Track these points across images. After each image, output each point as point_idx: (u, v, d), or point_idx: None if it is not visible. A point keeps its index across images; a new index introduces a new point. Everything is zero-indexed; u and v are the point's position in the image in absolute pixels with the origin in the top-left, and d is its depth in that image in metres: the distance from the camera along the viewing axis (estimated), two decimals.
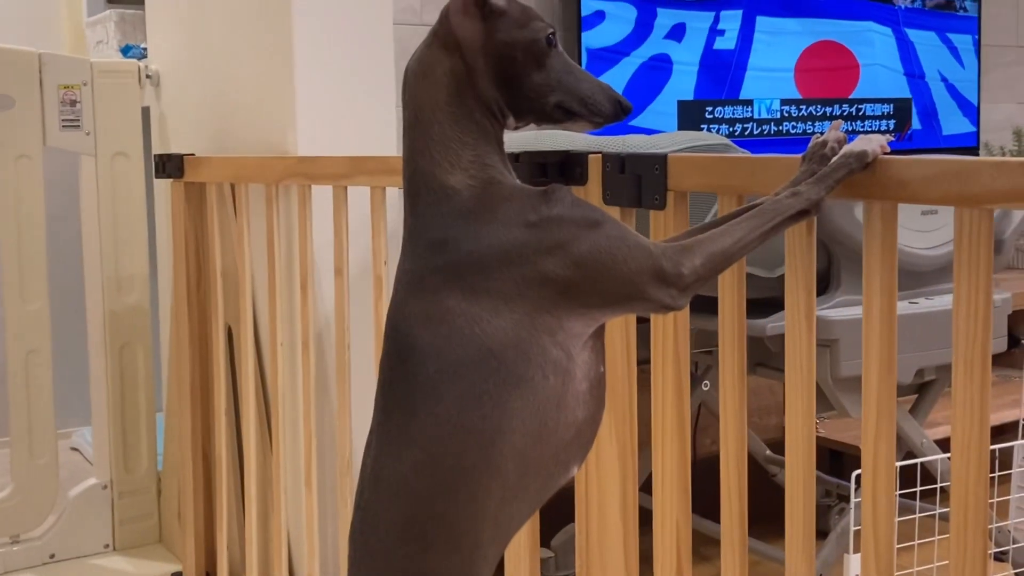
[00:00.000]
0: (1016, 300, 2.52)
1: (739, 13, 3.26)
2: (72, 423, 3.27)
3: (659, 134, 1.79)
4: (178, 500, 2.42)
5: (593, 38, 3.03)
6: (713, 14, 3.22)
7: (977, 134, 3.72)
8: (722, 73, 3.27)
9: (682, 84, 3.20)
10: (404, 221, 1.05)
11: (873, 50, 3.54)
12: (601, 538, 1.46)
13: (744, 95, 3.30)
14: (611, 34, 3.07)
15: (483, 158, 1.02)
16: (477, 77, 1.02)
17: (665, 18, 3.14)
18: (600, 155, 1.40)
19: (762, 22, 3.31)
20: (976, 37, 3.73)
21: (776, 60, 3.35)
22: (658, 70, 3.16)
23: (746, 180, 1.24)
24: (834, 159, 1.07)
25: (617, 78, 3.10)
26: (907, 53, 3.63)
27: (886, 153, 1.07)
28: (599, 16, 3.06)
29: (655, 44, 3.13)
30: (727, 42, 3.26)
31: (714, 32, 3.24)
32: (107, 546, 2.51)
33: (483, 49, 1.03)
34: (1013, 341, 2.50)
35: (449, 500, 0.97)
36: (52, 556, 2.44)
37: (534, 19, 1.04)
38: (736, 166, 1.26)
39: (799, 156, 1.13)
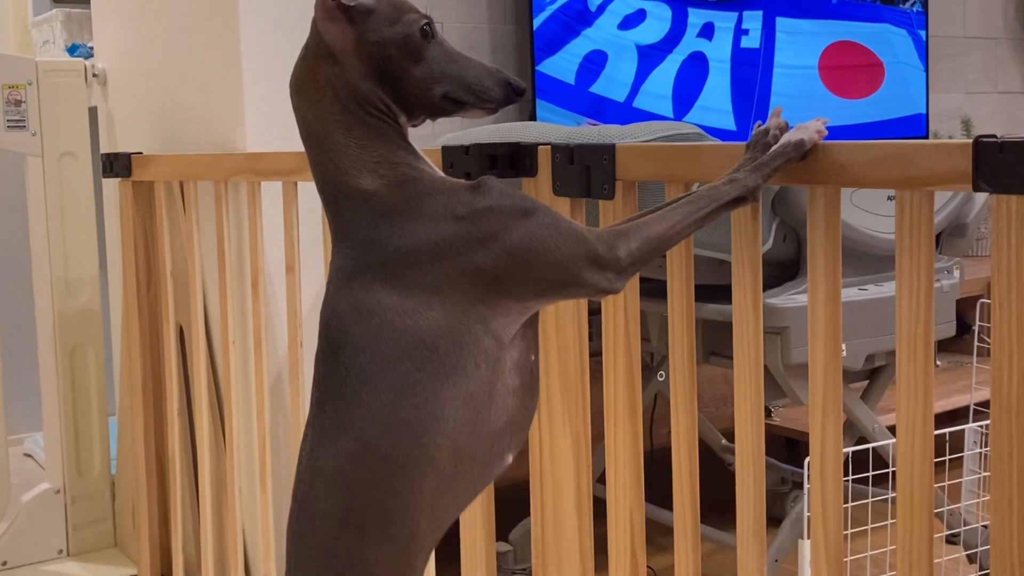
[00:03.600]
0: (966, 286, 2.56)
1: (760, 14, 3.39)
2: (24, 428, 3.23)
3: (635, 123, 1.81)
4: (132, 503, 2.39)
5: (640, 35, 3.14)
6: (737, 14, 3.35)
7: (926, 123, 3.77)
8: (751, 70, 3.37)
9: (719, 81, 3.31)
10: (329, 226, 1.04)
11: (893, 49, 3.68)
12: (556, 530, 1.46)
13: (775, 91, 3.42)
14: (654, 31, 3.18)
15: (389, 157, 1.01)
16: (357, 81, 1.00)
17: (696, 17, 3.25)
18: (549, 146, 1.40)
19: (781, 23, 3.44)
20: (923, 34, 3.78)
21: (800, 58, 3.48)
22: (697, 67, 3.28)
23: (692, 168, 1.24)
24: (773, 148, 1.08)
25: (666, 74, 3.19)
26: (924, 52, 3.74)
27: (823, 138, 1.08)
28: (641, 14, 3.15)
29: (690, 42, 3.25)
30: (752, 41, 3.38)
31: (739, 31, 3.36)
32: (61, 551, 2.48)
33: (356, 52, 1.00)
34: (963, 327, 2.53)
35: (384, 490, 0.97)
36: (4, 563, 2.41)
37: (406, 12, 1.02)
38: (682, 154, 1.27)
39: (743, 144, 1.13)
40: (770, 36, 3.40)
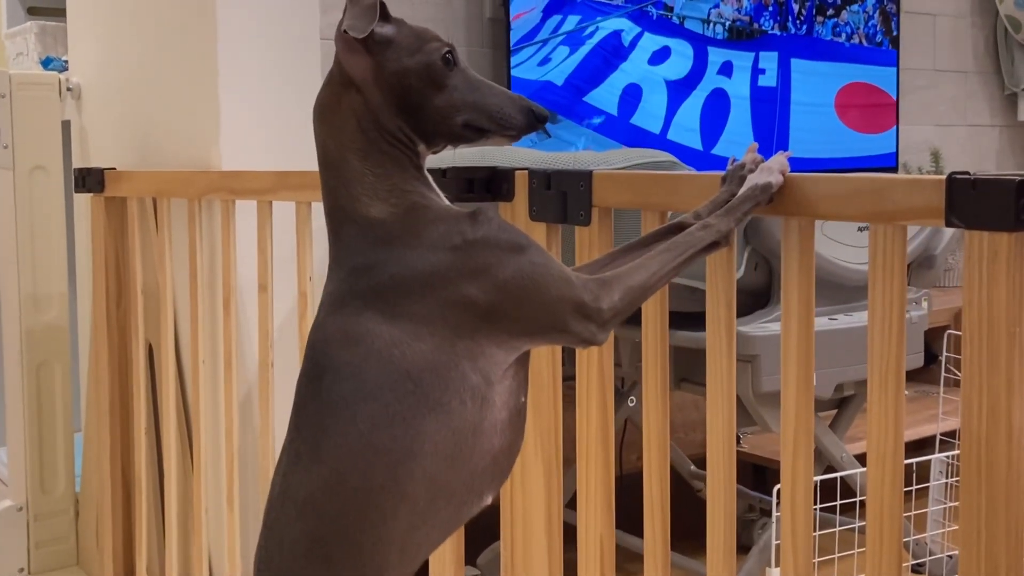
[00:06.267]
0: (933, 317, 2.58)
1: (775, 55, 3.53)
2: None
3: (611, 150, 1.82)
4: (96, 522, 2.36)
5: (667, 70, 3.28)
6: (753, 54, 3.49)
7: (896, 155, 3.81)
8: (770, 107, 3.51)
9: (740, 116, 3.45)
10: (329, 249, 1.04)
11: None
12: (526, 555, 1.46)
13: (793, 127, 3.55)
14: (679, 68, 3.32)
15: (401, 185, 1.01)
16: (377, 110, 1.00)
17: (715, 56, 3.39)
18: (526, 171, 1.41)
19: (796, 64, 3.58)
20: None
21: (815, 96, 3.63)
22: (719, 103, 3.42)
23: (668, 197, 1.25)
24: (740, 191, 1.09)
25: (692, 108, 3.32)
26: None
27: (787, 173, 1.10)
28: (666, 51, 3.28)
29: (712, 80, 3.39)
30: (769, 79, 3.52)
31: (756, 71, 3.50)
32: (22, 570, 2.44)
33: (377, 82, 1.00)
34: (930, 357, 2.56)
35: (355, 521, 0.96)
36: None
37: (428, 41, 1.02)
38: (659, 183, 1.28)
39: (719, 175, 1.15)
40: (786, 76, 3.54)
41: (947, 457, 2.22)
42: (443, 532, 1.02)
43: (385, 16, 1.01)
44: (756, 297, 1.99)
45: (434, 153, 1.05)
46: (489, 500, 1.03)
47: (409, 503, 0.96)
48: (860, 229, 2.01)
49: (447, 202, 1.04)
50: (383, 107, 1.01)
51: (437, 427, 0.96)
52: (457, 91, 1.01)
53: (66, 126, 2.57)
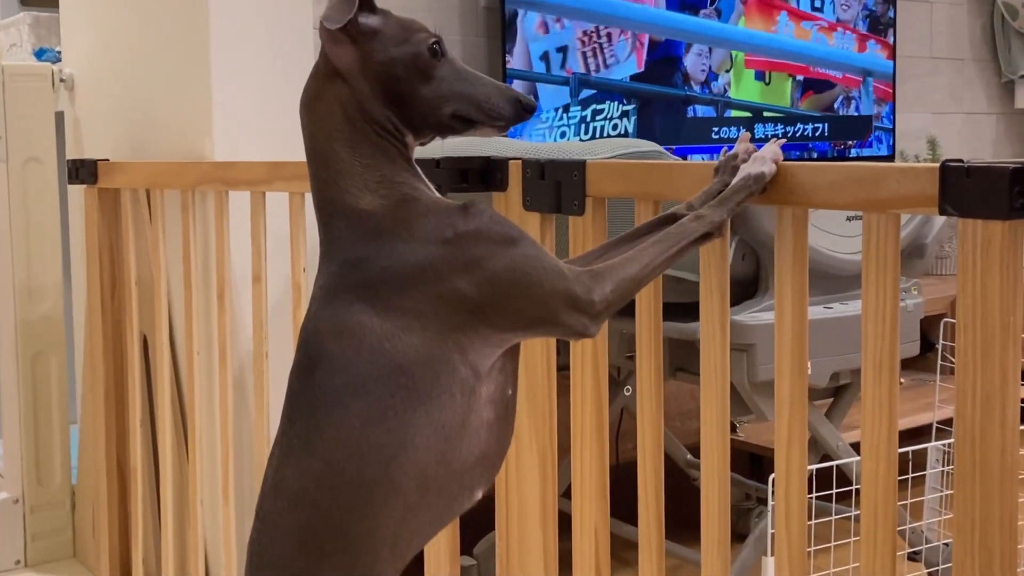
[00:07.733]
0: (930, 305, 2.58)
1: None
2: None
3: (596, 140, 1.80)
4: (92, 514, 2.36)
5: None
6: None
7: (892, 143, 3.81)
8: None
9: None
10: (319, 242, 1.03)
11: None
12: (521, 544, 1.46)
13: None
14: None
15: (391, 177, 1.00)
16: (364, 100, 1.00)
17: None
18: (520, 161, 1.40)
19: None
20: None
21: None
22: None
23: (662, 186, 1.25)
24: (734, 181, 1.09)
25: None
26: None
27: (780, 162, 1.09)
28: None
29: None
30: None
31: None
32: (18, 562, 2.44)
33: (363, 72, 1.00)
34: (927, 345, 2.56)
35: (348, 513, 0.96)
36: None
37: (415, 32, 1.01)
38: (652, 173, 1.27)
39: (713, 164, 1.14)
40: None
41: (943, 445, 2.22)
42: (435, 526, 1.02)
43: (371, 7, 1.01)
44: (744, 287, 1.98)
45: (421, 145, 1.05)
46: (480, 495, 1.03)
47: (401, 497, 0.96)
48: (849, 219, 2.00)
49: (437, 194, 1.04)
50: (370, 97, 1.00)
51: (428, 421, 0.96)
52: (445, 82, 1.01)
53: (59, 117, 2.56)
